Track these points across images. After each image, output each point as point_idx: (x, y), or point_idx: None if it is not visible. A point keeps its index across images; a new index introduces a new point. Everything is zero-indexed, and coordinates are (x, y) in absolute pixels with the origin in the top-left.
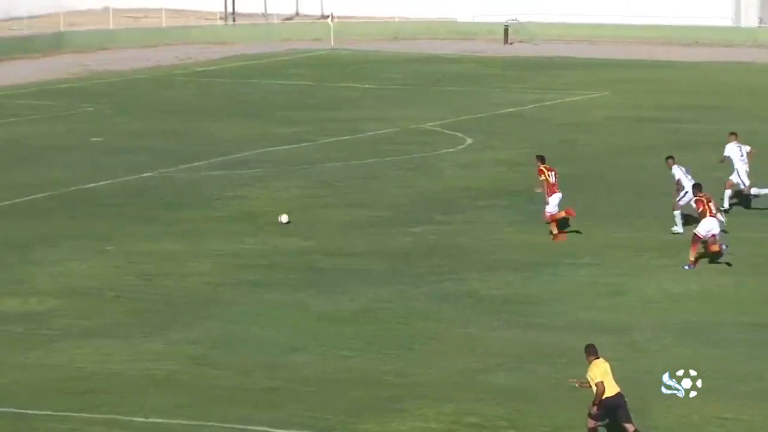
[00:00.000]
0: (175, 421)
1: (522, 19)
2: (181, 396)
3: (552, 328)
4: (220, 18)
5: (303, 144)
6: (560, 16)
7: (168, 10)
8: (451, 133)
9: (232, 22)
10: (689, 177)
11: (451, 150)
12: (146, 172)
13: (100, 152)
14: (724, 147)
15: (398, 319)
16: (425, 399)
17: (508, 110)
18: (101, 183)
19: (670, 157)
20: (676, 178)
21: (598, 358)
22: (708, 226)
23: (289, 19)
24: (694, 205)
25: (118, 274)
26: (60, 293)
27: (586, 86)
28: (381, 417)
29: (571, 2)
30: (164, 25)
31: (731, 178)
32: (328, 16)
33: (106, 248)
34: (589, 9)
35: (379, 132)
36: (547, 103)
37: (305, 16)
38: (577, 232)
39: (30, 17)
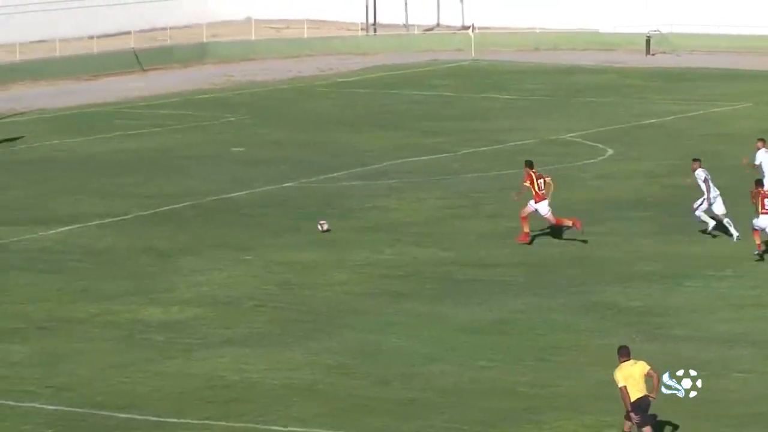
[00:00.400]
0: (315, 431)
1: (664, 30)
2: (321, 405)
3: (691, 340)
4: (362, 29)
5: (442, 155)
6: (702, 27)
7: (310, 21)
8: (591, 144)
9: (373, 33)
10: (711, 183)
11: (591, 161)
12: (286, 183)
13: (241, 162)
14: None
15: (536, 330)
16: (563, 410)
17: (649, 121)
18: (242, 193)
19: (697, 159)
20: (702, 180)
21: (628, 360)
22: (762, 223)
23: (430, 29)
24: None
25: (257, 283)
26: (200, 302)
27: (729, 97)
28: (518, 428)
29: (714, 13)
30: (306, 36)
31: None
32: (469, 27)
33: (246, 258)
34: (732, 20)
35: (519, 143)
36: (689, 114)
37: (446, 26)
38: (584, 241)
39: (173, 28)
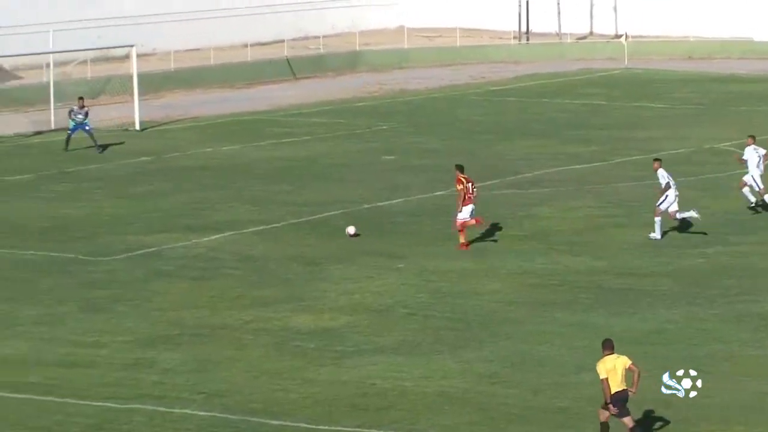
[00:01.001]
0: None
1: None
2: (473, 414)
3: None
4: (514, 37)
5: (595, 163)
6: None
7: (462, 30)
8: None
9: (525, 42)
10: (672, 182)
11: (745, 171)
12: (439, 191)
13: (393, 170)
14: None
15: (690, 341)
16: (716, 422)
17: None
18: (394, 201)
19: (657, 159)
20: (663, 182)
21: (612, 353)
22: None
23: (583, 38)
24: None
25: (410, 291)
26: (352, 310)
27: None
28: None
29: None
30: (458, 44)
31: (744, 178)
32: (622, 36)
33: (399, 266)
34: None
35: (672, 152)
36: None
37: (599, 35)
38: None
39: (326, 36)
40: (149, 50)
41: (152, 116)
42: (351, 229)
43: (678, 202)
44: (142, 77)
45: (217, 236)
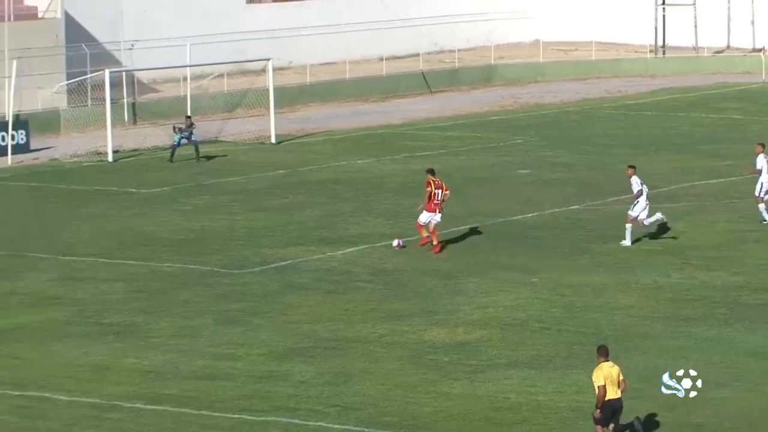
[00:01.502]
0: None
1: None
2: None
3: None
4: (650, 51)
5: (731, 178)
6: None
7: (598, 43)
8: None
9: (661, 55)
10: (645, 189)
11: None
12: (573, 205)
13: (528, 184)
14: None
15: None
16: None
17: None
18: (528, 215)
19: (632, 166)
20: (636, 188)
21: (607, 361)
22: None
23: (720, 52)
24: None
25: (544, 305)
26: (486, 324)
27: None
28: None
29: None
30: (594, 58)
31: (756, 192)
32: (760, 49)
33: (532, 280)
34: None
35: None
36: None
37: (736, 48)
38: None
39: (461, 50)
40: (285, 64)
41: (287, 130)
42: (397, 242)
43: (648, 210)
44: (278, 91)
45: (350, 249)
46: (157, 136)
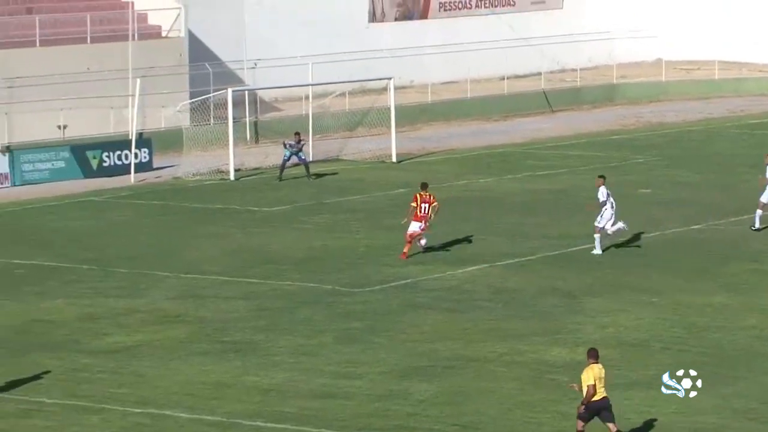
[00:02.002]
0: None
1: None
2: None
3: None
4: None
5: None
6: None
7: (721, 62)
8: None
9: None
10: (611, 200)
11: None
12: (695, 225)
13: (649, 203)
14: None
15: None
16: None
17: None
18: (650, 235)
19: (602, 176)
20: (602, 199)
21: (597, 362)
22: None
23: None
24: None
25: (665, 325)
26: (606, 343)
27: None
28: None
29: None
30: (717, 77)
31: (762, 198)
32: None
33: (653, 300)
34: None
35: None
36: None
37: None
38: None
39: (582, 69)
40: (407, 83)
41: (408, 148)
42: (423, 242)
43: (613, 219)
44: (399, 110)
45: (471, 268)
46: (279, 155)
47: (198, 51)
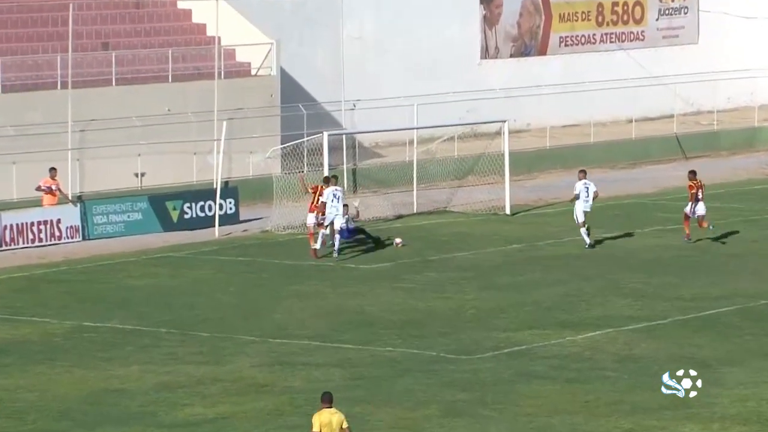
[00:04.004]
0: None
1: None
2: None
3: None
4: None
5: None
6: None
7: None
8: None
9: None
10: (584, 196)
11: None
12: None
13: None
14: None
15: None
16: None
17: None
18: None
19: (582, 171)
20: (576, 191)
21: (330, 407)
22: None
23: None
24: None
25: None
26: (746, 419)
27: None
28: None
29: None
30: None
31: None
32: None
33: None
34: None
35: None
36: None
37: None
38: None
39: (720, 111)
40: (523, 126)
41: (524, 199)
42: (398, 240)
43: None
44: (514, 156)
45: (593, 333)
46: (380, 206)
47: (291, 91)
